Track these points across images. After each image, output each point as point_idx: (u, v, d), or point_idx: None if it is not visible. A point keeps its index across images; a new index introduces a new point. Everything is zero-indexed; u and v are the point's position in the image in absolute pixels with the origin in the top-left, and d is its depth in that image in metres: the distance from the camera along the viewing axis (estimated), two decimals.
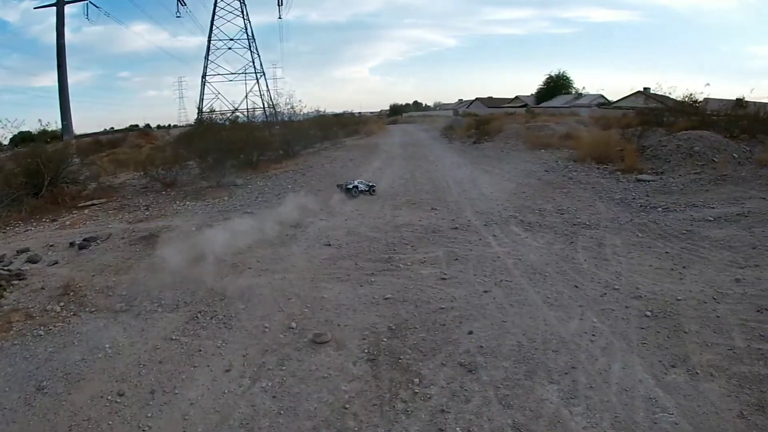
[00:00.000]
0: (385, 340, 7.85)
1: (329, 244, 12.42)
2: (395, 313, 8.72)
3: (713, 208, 14.76)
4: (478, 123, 37.93)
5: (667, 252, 11.61)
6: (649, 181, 18.33)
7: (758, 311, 8.79)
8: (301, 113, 45.39)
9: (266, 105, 71.46)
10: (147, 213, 17.99)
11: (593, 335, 7.92)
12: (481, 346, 7.53)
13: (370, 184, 19.12)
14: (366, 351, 7.59)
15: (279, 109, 49.61)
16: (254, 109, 72.96)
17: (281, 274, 10.68)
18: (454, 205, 16.04)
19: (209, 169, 22.87)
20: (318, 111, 48.53)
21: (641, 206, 15.41)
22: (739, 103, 28.52)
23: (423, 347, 7.59)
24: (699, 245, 12.02)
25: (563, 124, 32.72)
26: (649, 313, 8.63)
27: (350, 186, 18.38)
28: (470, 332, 7.96)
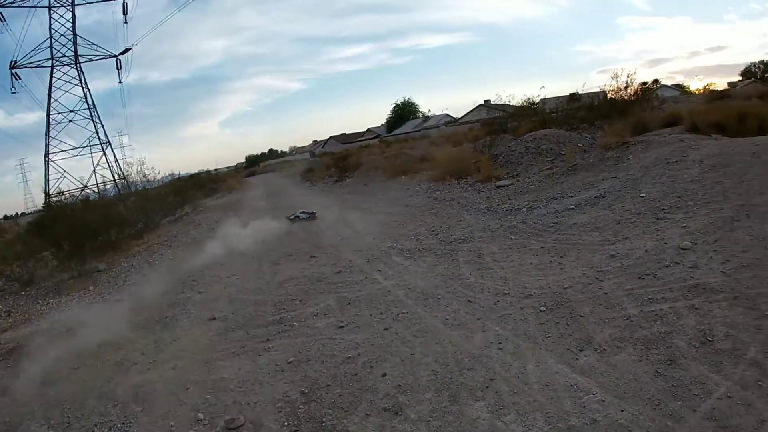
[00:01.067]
0: (301, 406, 7.43)
1: (214, 318, 11.85)
2: (303, 376, 8.30)
3: (572, 196, 15.90)
4: (336, 161, 38.39)
5: (542, 247, 12.30)
6: (507, 186, 19.48)
7: (640, 278, 9.52)
8: (155, 180, 43.32)
9: (116, 177, 67.62)
10: (10, 320, 15.92)
11: (500, 343, 8.13)
12: (399, 385, 7.41)
13: (310, 212, 21.17)
14: (286, 424, 7.13)
15: (131, 179, 46.91)
16: (104, 183, 68.48)
17: (171, 363, 9.76)
18: (332, 249, 15.89)
19: (67, 258, 20.66)
20: (171, 175, 46.52)
21: (506, 210, 16.32)
22: (573, 97, 31.25)
23: (342, 403, 7.30)
24: (568, 234, 12.85)
25: (417, 148, 34.09)
26: (543, 308, 9.08)
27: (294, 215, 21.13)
28: (384, 374, 7.81)
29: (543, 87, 66.81)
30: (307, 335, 9.94)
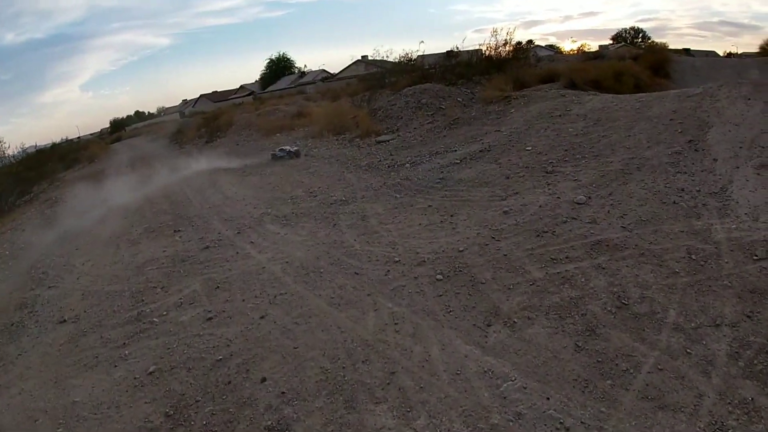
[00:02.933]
0: None
1: (64, 320, 9.35)
2: (167, 390, 6.46)
3: (455, 150, 14.83)
4: (206, 121, 35.43)
5: (430, 205, 11.04)
6: (388, 141, 18.12)
7: (538, 236, 8.53)
8: (7, 156, 37.87)
9: None
10: None
11: (396, 324, 6.78)
12: (283, 392, 5.87)
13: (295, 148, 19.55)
14: None
15: None
16: None
17: (17, 387, 7.36)
18: (199, 219, 13.67)
19: None
20: (31, 147, 40.90)
21: (389, 167, 14.92)
22: (450, 54, 30.43)
23: (216, 425, 5.62)
24: (456, 189, 11.70)
25: (293, 104, 31.86)
26: (440, 276, 7.87)
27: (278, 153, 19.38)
28: (263, 379, 6.20)
29: (422, 42, 65.69)
30: (169, 333, 7.93)
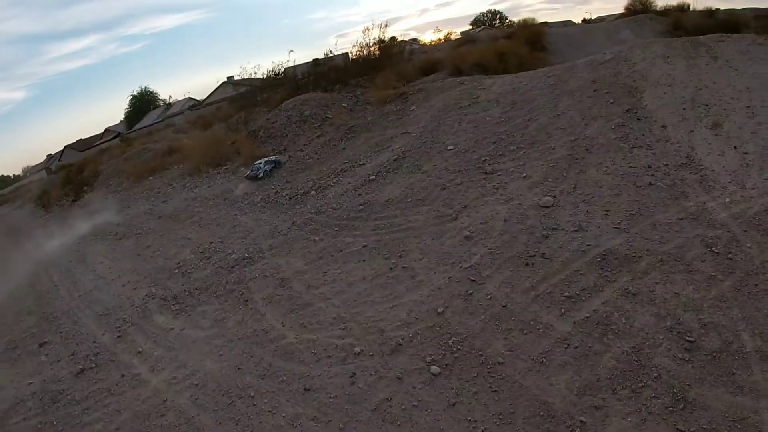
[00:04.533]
0: None
1: None
2: None
3: (364, 164, 11.94)
4: (67, 177, 30.27)
5: (365, 246, 8.26)
6: (280, 164, 15.03)
7: (527, 265, 6.71)
8: None
9: None
10: None
11: None
12: None
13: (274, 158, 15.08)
14: None
15: None
16: None
17: None
18: (68, 320, 9.90)
19: None
20: None
21: (291, 198, 11.65)
22: (317, 62, 28.55)
23: None
24: (388, 217, 8.97)
25: (163, 140, 27.38)
26: (435, 368, 5.56)
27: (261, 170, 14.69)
28: None
29: (292, 51, 61.74)
30: None
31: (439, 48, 31.85)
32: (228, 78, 41.67)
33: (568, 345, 5.25)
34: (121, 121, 63.36)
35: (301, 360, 6.06)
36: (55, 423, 6.81)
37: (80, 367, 7.88)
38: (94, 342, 8.51)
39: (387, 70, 19.70)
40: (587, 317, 5.49)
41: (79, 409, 6.84)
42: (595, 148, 8.86)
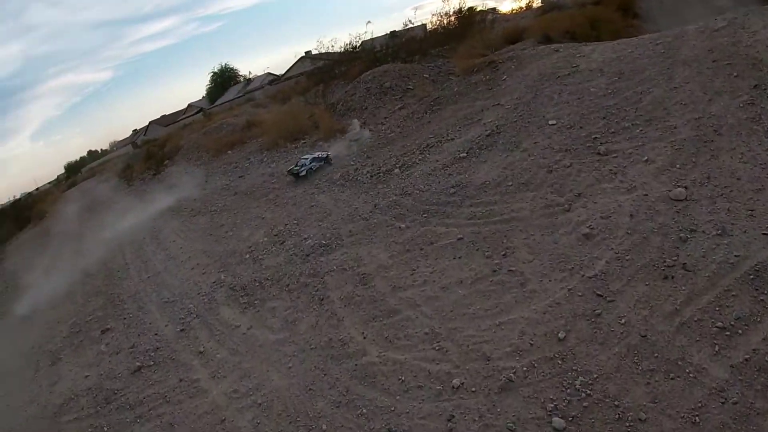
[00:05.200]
0: None
1: None
2: None
3: (453, 139, 10.52)
4: (149, 152, 30.36)
5: (460, 238, 6.94)
6: (359, 139, 13.80)
7: (665, 278, 5.36)
8: None
9: None
10: None
11: None
12: None
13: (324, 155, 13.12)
14: None
15: None
16: None
17: None
18: (133, 303, 9.38)
19: None
20: None
21: (372, 176, 10.42)
22: (393, 33, 26.99)
23: None
24: (487, 203, 7.54)
25: (242, 114, 26.84)
26: (560, 421, 4.18)
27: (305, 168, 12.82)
28: None
29: (369, 22, 59.98)
30: None
31: (521, 16, 29.42)
32: (306, 53, 40.67)
33: (725, 399, 3.90)
34: (203, 97, 64.23)
35: (385, 388, 4.88)
36: (105, 429, 6.17)
37: (138, 364, 7.21)
38: (156, 334, 7.81)
39: (469, 39, 18.01)
40: (746, 360, 4.10)
41: (131, 416, 6.14)
42: (725, 129, 7.18)
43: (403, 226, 7.82)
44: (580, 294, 5.19)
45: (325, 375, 5.35)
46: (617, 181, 6.90)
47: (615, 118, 8.62)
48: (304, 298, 7.00)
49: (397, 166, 10.38)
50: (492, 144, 9.45)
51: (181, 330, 7.55)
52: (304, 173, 12.29)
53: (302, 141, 15.98)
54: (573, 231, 6.18)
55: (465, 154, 9.47)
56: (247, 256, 9.02)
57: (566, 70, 11.31)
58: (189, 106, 63.27)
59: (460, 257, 6.49)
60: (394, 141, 12.12)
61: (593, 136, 8.29)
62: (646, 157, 7.23)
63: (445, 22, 21.80)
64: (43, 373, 8.46)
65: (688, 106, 8.15)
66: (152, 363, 7.05)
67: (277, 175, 13.36)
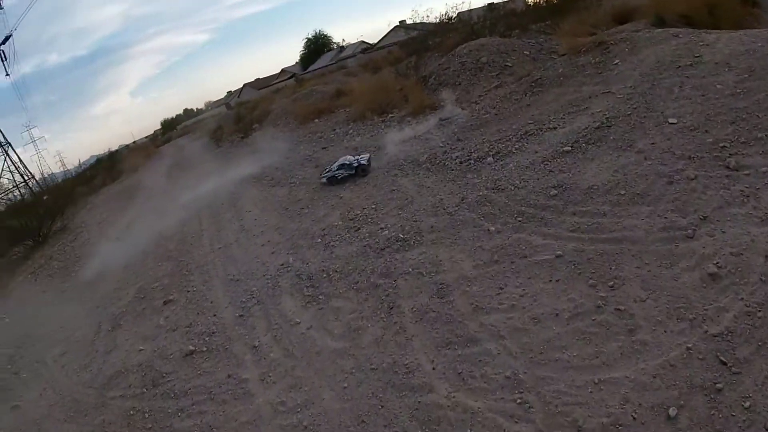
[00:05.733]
0: None
1: None
2: None
3: (555, 128, 9.29)
4: (239, 114, 30.62)
5: (559, 255, 5.89)
6: (452, 118, 12.79)
7: None
8: (74, 167, 34.22)
9: (24, 178, 53.98)
10: None
11: None
12: None
13: (359, 160, 11.10)
14: None
15: (49, 173, 37.14)
16: (14, 187, 54.59)
17: None
18: (199, 276, 9.05)
19: None
20: (76, 165, 37.14)
21: (462, 162, 9.39)
22: (491, 5, 25.82)
23: None
24: (593, 213, 6.38)
25: (333, 82, 26.12)
26: None
27: (330, 172, 11.33)
28: None
29: None
30: None
31: None
32: (400, 22, 39.50)
33: None
34: (296, 63, 64.15)
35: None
36: (146, 416, 5.82)
37: (191, 347, 6.81)
38: (215, 315, 7.38)
39: (574, 15, 16.32)
40: None
41: (174, 407, 5.76)
42: None
43: (493, 229, 6.82)
44: (700, 356, 4.16)
45: (382, 407, 4.67)
46: (750, 207, 5.62)
47: (745, 125, 7.14)
48: (372, 302, 6.26)
49: (491, 153, 9.29)
50: (601, 139, 8.19)
51: (240, 315, 7.08)
52: (340, 177, 10.78)
53: (390, 115, 15.11)
54: (697, 267, 5.05)
55: (569, 148, 8.27)
56: (319, 240, 8.37)
57: (688, 60, 9.72)
58: (282, 70, 63.46)
59: (557, 280, 5.49)
60: (489, 123, 11.01)
61: (721, 144, 6.88)
62: None
63: None
64: (103, 338, 8.33)
65: None
66: (205, 349, 6.65)
67: (360, 151, 12.62)
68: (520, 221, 6.85)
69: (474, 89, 13.94)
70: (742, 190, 5.98)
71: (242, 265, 8.66)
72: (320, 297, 6.79)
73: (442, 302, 5.78)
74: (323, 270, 7.36)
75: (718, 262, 5.06)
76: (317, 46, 60.41)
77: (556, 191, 7.17)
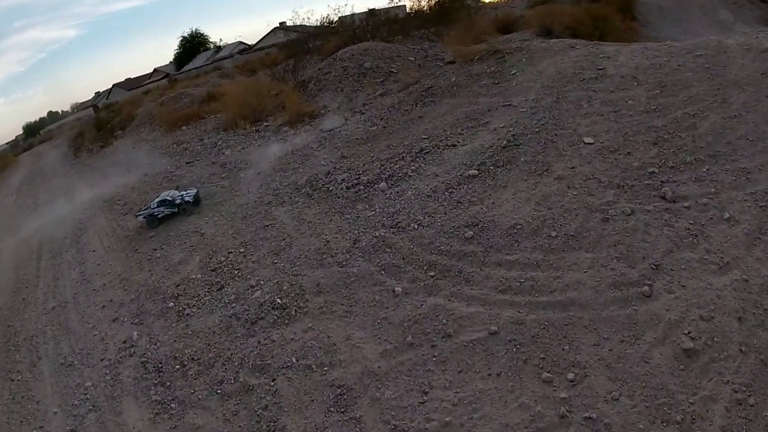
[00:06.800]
0: None
1: None
2: None
3: (456, 145, 7.97)
4: (102, 119, 26.97)
5: (493, 333, 4.37)
6: (335, 129, 11.00)
7: None
8: None
9: None
10: None
11: None
12: None
13: (183, 196, 8.94)
14: None
15: None
16: None
17: None
18: (28, 355, 6.57)
19: None
20: None
21: (350, 188, 7.61)
22: (372, 12, 24.64)
23: None
24: (529, 264, 5.00)
25: (204, 85, 23.40)
26: None
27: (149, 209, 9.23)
28: None
29: None
30: None
31: (510, 5, 26.87)
32: (280, 23, 37.61)
33: None
34: (170, 62, 59.63)
35: None
36: None
37: None
38: (41, 429, 5.13)
39: (457, 23, 15.52)
40: None
41: None
42: None
43: (399, 289, 5.16)
44: None
45: None
46: (702, 250, 4.65)
47: (669, 146, 6.47)
48: (245, 419, 4.32)
49: (383, 176, 7.69)
50: (511, 160, 6.95)
51: (71, 431, 4.92)
52: (160, 216, 8.82)
53: (264, 123, 13.15)
54: (666, 340, 3.91)
55: (476, 172, 6.92)
56: (172, 304, 6.20)
57: (591, 73, 8.94)
58: (155, 70, 58.36)
59: (499, 374, 3.97)
60: (377, 137, 9.50)
61: (649, 170, 5.98)
62: (726, 214, 5.23)
63: (424, 5, 19.58)
64: None
65: (757, 144, 6.28)
66: None
67: (228, 166, 10.55)
68: (432, 276, 5.24)
69: (358, 96, 12.46)
70: (688, 228, 4.96)
71: (77, 339, 6.34)
72: (173, 405, 4.73)
73: (345, 421, 3.97)
74: (176, 357, 5.27)
75: (689, 332, 3.91)
76: (193, 45, 56.42)
77: (471, 232, 5.69)
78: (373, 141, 9.45)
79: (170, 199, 8.87)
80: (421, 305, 4.88)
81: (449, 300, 4.84)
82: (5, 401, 5.75)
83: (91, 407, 5.09)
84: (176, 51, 59.39)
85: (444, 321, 4.61)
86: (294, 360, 4.69)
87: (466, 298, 4.81)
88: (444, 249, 5.56)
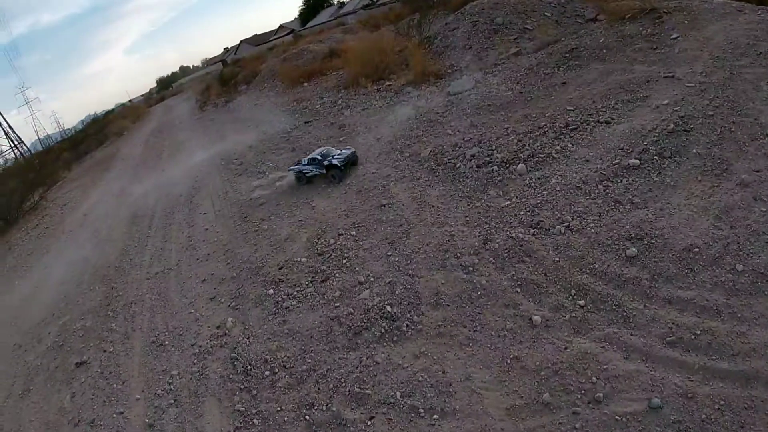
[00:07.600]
0: None
1: None
2: None
3: (609, 122, 6.53)
4: (223, 76, 28.12)
5: (639, 411, 3.30)
6: (463, 93, 9.93)
7: None
8: (68, 129, 31.59)
9: (13, 144, 49.25)
10: None
11: None
12: None
13: (333, 158, 8.27)
14: None
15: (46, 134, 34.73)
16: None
17: None
18: (123, 324, 6.57)
19: None
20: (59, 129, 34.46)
21: (480, 166, 6.66)
22: None
23: None
24: (708, 309, 3.79)
25: (327, 41, 22.75)
26: None
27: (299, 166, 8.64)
28: None
29: None
30: None
31: None
32: None
33: None
34: (296, 18, 60.37)
35: None
36: None
37: None
38: (122, 414, 4.94)
39: None
40: None
41: None
42: None
43: (538, 318, 4.11)
44: None
45: None
46: None
47: None
48: None
49: (521, 155, 6.52)
50: (680, 151, 5.54)
51: (150, 425, 4.61)
52: (309, 175, 8.25)
53: (387, 83, 12.33)
54: None
55: (637, 161, 5.57)
56: (272, 291, 5.69)
57: None
58: (281, 26, 59.43)
59: None
60: (513, 105, 8.28)
61: None
62: None
63: None
64: (7, 415, 5.86)
65: None
66: None
67: (347, 131, 9.89)
68: (582, 307, 4.12)
69: (488, 55, 11.21)
70: None
71: (173, 315, 6.13)
72: (255, 422, 4.17)
73: None
74: (267, 360, 4.71)
75: None
76: (317, 1, 56.83)
77: (635, 248, 4.44)
78: (508, 109, 8.27)
79: (320, 158, 8.25)
80: (566, 348, 3.81)
81: (602, 346, 3.73)
82: (93, 375, 5.71)
83: (173, 401, 4.77)
84: (301, 7, 59.90)
85: (594, 378, 3.53)
86: (398, 396, 3.89)
87: (625, 347, 3.69)
88: (599, 269, 4.39)
